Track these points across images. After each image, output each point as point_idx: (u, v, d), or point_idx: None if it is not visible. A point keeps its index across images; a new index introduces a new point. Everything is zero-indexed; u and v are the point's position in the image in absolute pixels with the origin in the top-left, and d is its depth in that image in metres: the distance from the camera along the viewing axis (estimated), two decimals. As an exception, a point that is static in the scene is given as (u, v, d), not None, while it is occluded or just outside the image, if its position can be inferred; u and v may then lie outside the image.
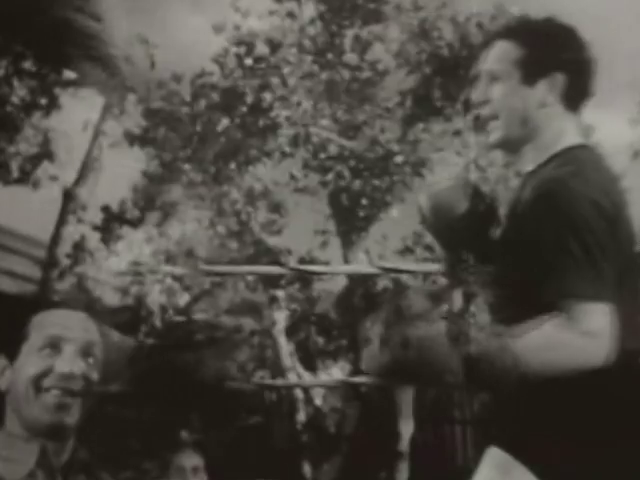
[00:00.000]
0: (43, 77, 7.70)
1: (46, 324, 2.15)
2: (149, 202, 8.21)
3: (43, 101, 7.84)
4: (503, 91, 2.28)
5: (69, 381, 2.09)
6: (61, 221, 8.10)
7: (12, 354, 2.15)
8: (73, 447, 2.14)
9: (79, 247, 8.05)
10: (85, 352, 2.13)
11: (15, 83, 7.73)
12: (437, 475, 8.66)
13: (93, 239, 8.11)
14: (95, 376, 2.13)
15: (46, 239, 8.19)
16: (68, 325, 2.15)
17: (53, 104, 7.86)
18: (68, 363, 2.10)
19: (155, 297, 8.19)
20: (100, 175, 8.26)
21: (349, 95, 8.67)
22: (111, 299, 7.92)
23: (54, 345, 2.12)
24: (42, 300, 2.34)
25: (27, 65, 7.66)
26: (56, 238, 8.10)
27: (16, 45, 6.55)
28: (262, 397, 8.96)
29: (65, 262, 8.04)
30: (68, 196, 8.11)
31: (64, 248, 8.08)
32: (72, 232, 8.12)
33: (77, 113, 8.11)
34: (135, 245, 8.24)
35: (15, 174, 7.95)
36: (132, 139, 8.22)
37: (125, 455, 7.32)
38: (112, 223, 8.11)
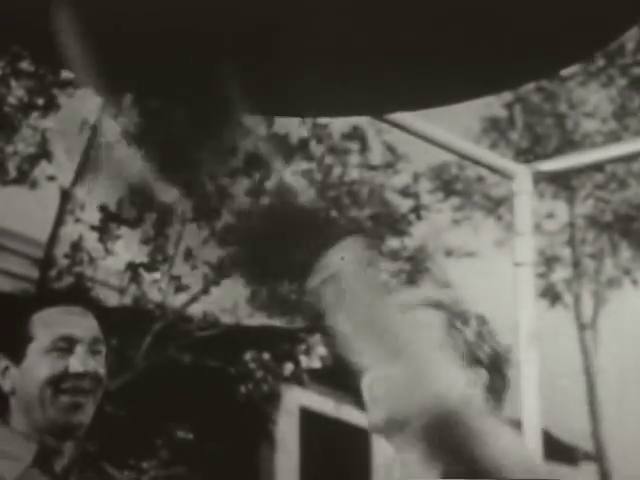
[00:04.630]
0: (40, 77, 7.70)
1: (51, 323, 2.14)
2: (147, 202, 8.20)
3: (41, 101, 7.84)
4: None
5: (82, 380, 2.09)
6: (59, 221, 8.10)
7: (15, 355, 2.14)
8: (76, 445, 2.14)
9: (77, 247, 8.05)
10: (93, 349, 2.13)
11: (12, 83, 7.73)
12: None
13: (91, 239, 8.11)
14: (103, 372, 2.13)
15: (44, 239, 8.20)
16: (73, 323, 2.15)
17: (51, 104, 7.87)
18: (81, 363, 2.09)
19: (153, 297, 8.19)
20: (98, 175, 8.26)
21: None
22: (109, 299, 7.92)
23: (65, 345, 2.11)
24: (40, 298, 2.30)
25: (24, 65, 7.66)
26: (54, 238, 8.11)
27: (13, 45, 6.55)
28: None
29: (63, 262, 8.04)
30: (66, 196, 8.12)
31: (62, 248, 8.09)
32: (70, 232, 8.13)
33: (75, 113, 8.11)
34: (133, 245, 8.24)
35: (13, 174, 7.95)
36: (130, 139, 8.21)
37: (124, 455, 7.32)
38: (110, 223, 8.10)
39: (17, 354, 2.13)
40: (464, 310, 1.96)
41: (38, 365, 2.11)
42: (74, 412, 2.09)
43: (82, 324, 2.16)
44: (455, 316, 1.94)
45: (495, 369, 1.93)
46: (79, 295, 2.28)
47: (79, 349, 2.11)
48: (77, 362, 2.10)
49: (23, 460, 2.09)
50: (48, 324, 2.14)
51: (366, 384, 1.90)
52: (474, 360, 1.92)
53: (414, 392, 1.83)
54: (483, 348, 1.93)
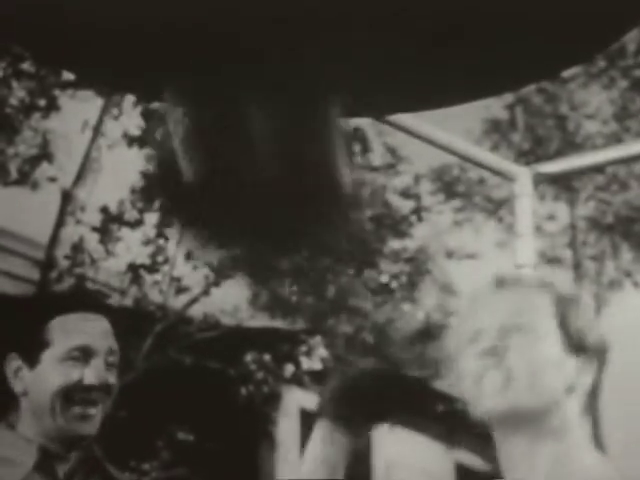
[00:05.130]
0: (42, 78, 7.71)
1: (69, 331, 2.11)
2: (148, 203, 8.21)
3: (42, 102, 7.84)
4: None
5: (94, 392, 2.08)
6: (60, 222, 8.10)
7: (30, 358, 2.12)
8: (81, 451, 2.13)
9: (78, 248, 8.06)
10: (108, 361, 2.11)
11: (14, 84, 7.73)
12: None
13: (92, 240, 8.12)
14: (114, 382, 2.12)
15: (45, 240, 8.20)
16: (92, 333, 2.11)
17: (52, 105, 7.87)
18: (96, 375, 2.08)
19: (154, 298, 8.19)
20: (99, 176, 8.27)
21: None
22: (110, 300, 7.92)
23: (80, 355, 2.10)
24: (59, 302, 2.25)
25: (26, 66, 7.66)
26: (55, 239, 8.11)
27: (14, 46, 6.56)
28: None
29: (64, 263, 8.04)
30: (67, 197, 8.12)
31: (63, 249, 8.09)
32: (71, 233, 8.13)
33: (76, 114, 8.12)
34: (134, 246, 8.24)
35: (14, 175, 7.96)
36: (131, 140, 8.22)
37: (125, 456, 7.32)
38: (111, 224, 8.11)
39: (31, 358, 2.11)
40: (574, 293, 1.84)
41: (52, 373, 2.09)
42: (83, 422, 2.08)
43: (99, 334, 2.13)
44: (566, 297, 1.82)
45: (600, 359, 1.82)
46: (97, 302, 2.25)
47: (95, 361, 2.10)
48: (92, 374, 2.09)
49: (25, 465, 2.08)
50: (66, 332, 2.12)
51: (474, 374, 1.76)
52: (586, 347, 1.79)
53: (533, 387, 1.75)
54: (593, 334, 1.81)
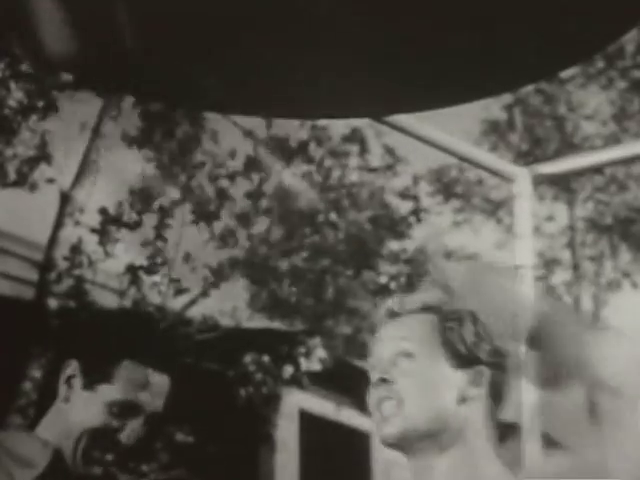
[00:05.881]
0: (40, 80, 7.70)
1: (132, 383, 2.10)
2: (146, 204, 8.21)
3: (40, 104, 7.84)
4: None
5: (119, 446, 2.09)
6: (58, 224, 8.10)
7: (88, 378, 2.09)
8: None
9: (76, 250, 8.05)
10: (147, 421, 2.11)
11: (12, 86, 7.72)
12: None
13: (90, 242, 8.11)
14: (142, 435, 2.12)
15: (43, 242, 8.20)
16: (149, 393, 2.11)
17: (50, 107, 7.86)
18: (130, 437, 2.07)
19: (153, 299, 8.19)
20: (97, 177, 8.27)
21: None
22: (108, 301, 7.92)
23: (128, 409, 2.09)
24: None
25: (24, 68, 7.66)
26: (53, 241, 8.11)
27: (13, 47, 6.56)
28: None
29: (62, 265, 8.04)
30: (65, 199, 8.12)
31: (61, 251, 8.09)
32: (69, 235, 8.13)
33: (74, 116, 8.11)
34: (132, 247, 8.24)
35: (12, 177, 7.95)
36: (129, 141, 8.22)
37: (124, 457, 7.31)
38: (109, 225, 8.11)
39: (90, 379, 2.10)
40: (456, 310, 1.95)
41: (97, 410, 2.07)
42: (96, 466, 2.10)
43: (155, 395, 2.12)
44: (448, 317, 1.93)
45: (496, 364, 1.93)
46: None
47: (137, 421, 2.09)
48: (128, 435, 2.08)
49: (38, 466, 2.08)
50: (129, 380, 2.10)
51: (374, 402, 1.90)
52: (475, 359, 1.91)
53: (423, 408, 1.87)
54: (482, 346, 1.92)
